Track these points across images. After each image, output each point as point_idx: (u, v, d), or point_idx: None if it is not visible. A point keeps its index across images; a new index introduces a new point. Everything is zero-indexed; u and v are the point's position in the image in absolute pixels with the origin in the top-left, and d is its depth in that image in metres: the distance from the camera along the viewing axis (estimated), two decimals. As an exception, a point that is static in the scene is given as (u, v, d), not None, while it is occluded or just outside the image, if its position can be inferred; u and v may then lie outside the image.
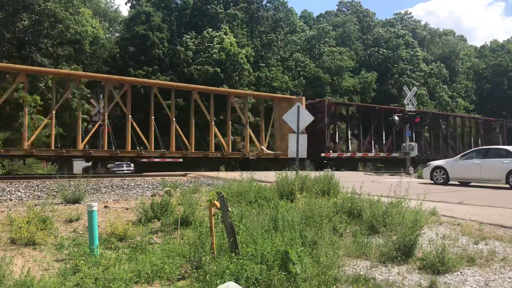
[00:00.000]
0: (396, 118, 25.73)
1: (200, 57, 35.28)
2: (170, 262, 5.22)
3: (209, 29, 37.02)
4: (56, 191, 10.52)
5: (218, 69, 34.17)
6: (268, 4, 46.79)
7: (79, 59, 33.98)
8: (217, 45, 35.23)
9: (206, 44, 35.76)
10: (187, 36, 37.06)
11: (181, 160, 22.65)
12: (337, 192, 9.56)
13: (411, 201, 7.11)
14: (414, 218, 6.06)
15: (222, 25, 38.27)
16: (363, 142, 29.02)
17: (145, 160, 22.44)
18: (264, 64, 40.26)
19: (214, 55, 34.55)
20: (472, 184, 16.14)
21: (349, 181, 10.40)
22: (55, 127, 19.78)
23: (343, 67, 44.32)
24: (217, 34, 36.40)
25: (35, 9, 28.97)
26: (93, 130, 21.12)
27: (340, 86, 43.26)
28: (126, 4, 40.24)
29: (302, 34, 49.95)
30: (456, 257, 5.45)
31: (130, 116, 20.55)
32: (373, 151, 29.56)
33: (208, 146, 23.70)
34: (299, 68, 43.57)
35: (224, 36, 36.03)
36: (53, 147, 18.69)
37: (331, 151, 26.80)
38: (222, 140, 24.43)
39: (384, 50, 50.75)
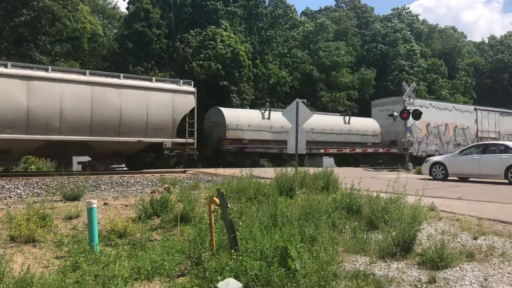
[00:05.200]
0: (396, 113, 25.71)
1: (201, 53, 35.23)
2: (169, 259, 5.22)
3: (212, 26, 37.02)
4: (55, 189, 10.51)
5: (220, 66, 34.15)
6: (266, 0, 46.71)
7: (77, 56, 33.94)
8: (220, 42, 35.17)
9: (208, 42, 35.71)
10: (192, 32, 36.98)
11: None
12: (336, 188, 9.59)
13: (410, 197, 7.13)
14: (413, 213, 6.08)
15: (222, 21, 38.21)
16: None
17: None
18: (260, 60, 40.21)
19: (221, 50, 34.46)
20: (471, 179, 16.18)
21: (348, 177, 10.42)
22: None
23: (340, 63, 44.19)
24: (218, 30, 36.36)
25: (33, 6, 28.90)
26: None
27: (337, 82, 43.18)
28: (124, 0, 40.37)
29: (300, 28, 49.83)
30: (455, 252, 5.47)
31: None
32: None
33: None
34: (296, 64, 43.54)
35: (224, 33, 35.99)
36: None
37: None
38: None
39: (382, 46, 50.64)
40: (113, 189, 11.31)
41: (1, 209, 7.80)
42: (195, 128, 20.13)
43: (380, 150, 28.76)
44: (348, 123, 27.75)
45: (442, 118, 30.58)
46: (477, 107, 34.14)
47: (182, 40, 37.11)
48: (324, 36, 46.52)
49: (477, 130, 32.74)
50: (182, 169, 17.15)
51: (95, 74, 18.15)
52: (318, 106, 38.17)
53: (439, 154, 27.84)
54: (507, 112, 36.14)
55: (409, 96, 26.04)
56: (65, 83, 16.59)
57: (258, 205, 7.59)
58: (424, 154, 28.44)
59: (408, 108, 25.26)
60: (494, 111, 35.02)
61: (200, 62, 34.42)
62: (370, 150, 28.31)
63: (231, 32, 37.19)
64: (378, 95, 45.97)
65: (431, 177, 16.40)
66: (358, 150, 27.43)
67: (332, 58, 43.55)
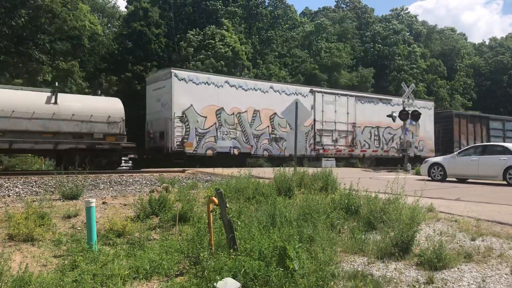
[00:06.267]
0: (395, 114, 25.69)
1: (201, 54, 35.29)
2: (168, 258, 5.22)
3: (212, 26, 37.08)
4: (54, 187, 10.51)
5: (223, 63, 34.20)
6: (266, 0, 46.80)
7: (77, 55, 33.93)
8: (219, 42, 35.24)
9: (207, 41, 35.78)
10: (191, 32, 37.05)
11: None
12: (335, 189, 9.59)
13: (409, 198, 7.14)
14: (412, 214, 6.08)
15: (223, 20, 38.27)
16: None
17: None
18: (261, 61, 40.28)
19: (222, 50, 34.51)
20: (469, 180, 16.21)
21: (347, 177, 10.42)
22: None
23: (341, 64, 44.28)
24: (218, 30, 36.43)
25: (32, 4, 28.88)
26: None
27: (337, 82, 43.26)
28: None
29: (300, 29, 49.92)
30: (453, 253, 5.47)
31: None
32: None
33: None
34: (296, 64, 43.59)
35: (226, 33, 36.07)
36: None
37: None
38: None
39: (380, 46, 50.72)
40: (111, 188, 11.31)
41: (0, 207, 7.80)
42: None
43: (124, 145, 18.52)
44: (55, 102, 16.97)
45: (249, 102, 22.11)
46: (314, 88, 25.37)
47: (184, 39, 37.18)
48: (324, 37, 46.60)
49: (314, 120, 24.34)
50: (181, 169, 17.15)
51: None
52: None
53: (240, 151, 21.62)
54: (368, 97, 27.90)
55: (408, 97, 25.98)
56: None
57: (257, 205, 7.60)
58: (211, 152, 20.78)
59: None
60: (346, 95, 26.42)
61: (198, 62, 34.49)
62: (100, 144, 17.67)
63: (233, 33, 37.29)
64: (377, 95, 46.04)
65: (430, 178, 16.43)
66: (72, 144, 17.14)
67: (333, 59, 43.64)
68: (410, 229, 5.66)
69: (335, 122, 25.18)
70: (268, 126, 22.77)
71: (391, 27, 53.93)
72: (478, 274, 5.00)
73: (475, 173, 15.48)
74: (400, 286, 4.70)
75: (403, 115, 24.75)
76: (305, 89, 24.73)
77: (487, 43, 69.40)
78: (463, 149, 17.45)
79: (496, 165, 14.84)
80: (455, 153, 16.95)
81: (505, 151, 15.09)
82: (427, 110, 29.68)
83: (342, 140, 25.58)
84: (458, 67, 59.46)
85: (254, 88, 22.52)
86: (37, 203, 7.37)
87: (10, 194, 9.87)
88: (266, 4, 46.69)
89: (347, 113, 25.80)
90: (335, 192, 9.27)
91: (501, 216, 7.61)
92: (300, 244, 5.06)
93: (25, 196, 9.34)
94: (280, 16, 46.14)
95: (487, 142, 29.89)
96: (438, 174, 16.36)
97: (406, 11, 66.08)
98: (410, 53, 52.17)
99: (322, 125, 24.76)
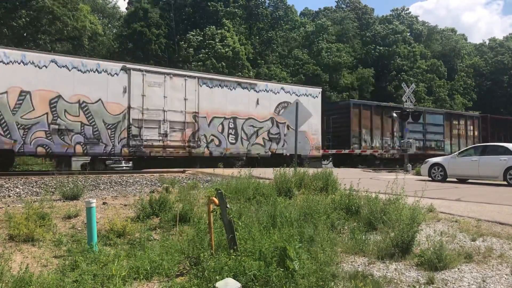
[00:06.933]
0: (395, 114, 25.67)
1: (201, 53, 35.35)
2: (168, 259, 5.22)
3: (212, 27, 37.15)
4: (54, 188, 10.51)
5: (224, 64, 34.25)
6: (267, 1, 46.83)
7: (77, 55, 33.97)
8: (219, 43, 35.31)
9: (207, 41, 35.84)
10: (191, 33, 37.13)
11: None
12: (335, 189, 9.59)
13: (409, 198, 7.14)
14: (412, 214, 6.08)
15: (224, 20, 38.34)
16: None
17: None
18: (263, 61, 40.33)
19: (221, 50, 34.58)
20: (470, 181, 16.21)
21: (347, 178, 10.42)
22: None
23: (341, 64, 44.29)
24: (219, 31, 36.49)
25: (33, 6, 28.92)
26: None
27: (338, 83, 43.30)
28: (124, 0, 40.64)
29: (301, 29, 49.94)
30: (453, 253, 5.47)
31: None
32: None
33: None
34: (297, 66, 43.60)
35: (227, 34, 36.15)
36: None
37: None
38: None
39: (381, 48, 50.74)
40: (112, 189, 11.30)
41: (0, 208, 7.80)
42: None
43: None
44: None
45: (11, 81, 15.60)
46: (129, 65, 18.47)
47: (184, 40, 37.25)
48: (325, 37, 46.63)
49: (129, 107, 17.90)
50: (182, 169, 17.17)
51: None
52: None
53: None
54: (219, 79, 20.84)
55: (408, 97, 25.92)
56: None
57: (257, 206, 7.59)
58: None
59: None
60: (183, 75, 19.70)
61: (200, 62, 34.52)
62: None
63: (234, 34, 37.37)
64: (376, 95, 46.13)
65: (430, 178, 16.43)
66: None
67: (334, 59, 43.65)
68: (410, 230, 5.66)
69: (164, 111, 18.92)
70: (47, 114, 16.33)
71: (391, 27, 53.94)
72: (479, 274, 5.00)
73: (475, 173, 15.48)
74: (401, 287, 4.70)
75: (404, 115, 24.73)
76: (114, 66, 18.02)
77: (487, 43, 69.37)
78: (464, 149, 17.45)
79: (496, 165, 14.84)
80: (456, 153, 16.95)
81: (505, 151, 15.09)
82: (311, 98, 23.14)
83: (176, 135, 19.35)
84: (458, 68, 59.45)
85: (21, 61, 16.06)
86: (37, 204, 7.37)
87: (11, 195, 9.88)
88: (267, 4, 46.73)
89: (185, 99, 19.38)
90: (335, 192, 9.27)
91: (502, 217, 7.61)
92: (300, 245, 5.07)
93: (25, 197, 9.34)
94: (281, 17, 46.19)
95: (400, 137, 26.11)
96: (439, 174, 16.36)
97: (407, 11, 66.18)
98: (409, 53, 52.18)
99: (143, 114, 18.42)
